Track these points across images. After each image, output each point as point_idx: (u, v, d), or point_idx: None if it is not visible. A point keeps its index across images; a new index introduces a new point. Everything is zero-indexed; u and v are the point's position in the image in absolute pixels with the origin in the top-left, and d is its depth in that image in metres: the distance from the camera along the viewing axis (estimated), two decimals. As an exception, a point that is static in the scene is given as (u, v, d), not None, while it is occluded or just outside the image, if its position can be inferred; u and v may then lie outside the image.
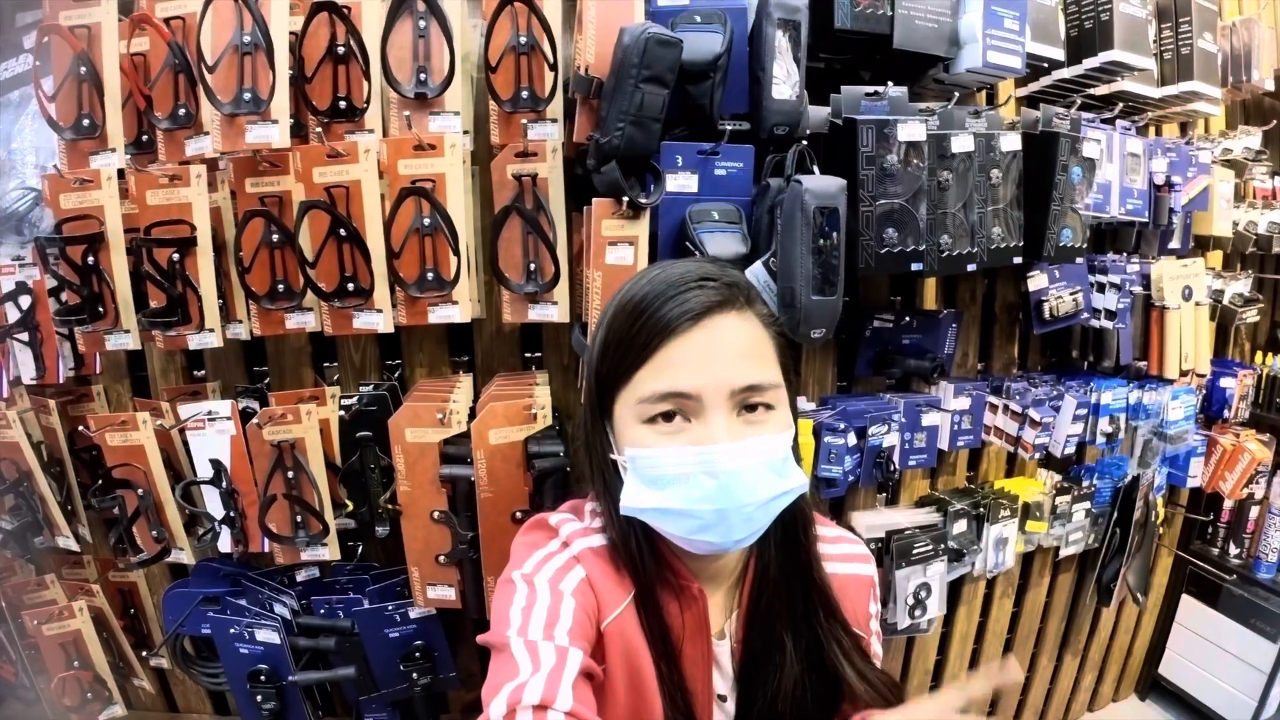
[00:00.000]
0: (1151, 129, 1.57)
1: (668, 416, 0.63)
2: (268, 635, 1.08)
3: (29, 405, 1.14)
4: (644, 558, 0.68)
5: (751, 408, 0.64)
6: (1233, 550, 1.69)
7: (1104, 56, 1.28)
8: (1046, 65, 1.29)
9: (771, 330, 0.67)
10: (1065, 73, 1.32)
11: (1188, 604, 1.72)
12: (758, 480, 0.63)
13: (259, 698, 1.10)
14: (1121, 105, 1.39)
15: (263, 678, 1.10)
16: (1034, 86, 1.36)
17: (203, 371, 1.15)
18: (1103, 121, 1.35)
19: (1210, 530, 1.73)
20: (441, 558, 1.02)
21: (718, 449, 0.61)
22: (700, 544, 0.65)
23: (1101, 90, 1.37)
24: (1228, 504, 1.68)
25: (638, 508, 0.65)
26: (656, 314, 0.63)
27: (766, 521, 0.65)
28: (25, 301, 1.12)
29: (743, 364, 0.63)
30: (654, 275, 0.67)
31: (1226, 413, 1.60)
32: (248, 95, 0.94)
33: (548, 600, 0.64)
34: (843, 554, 0.78)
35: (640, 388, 0.63)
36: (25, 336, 1.12)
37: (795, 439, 0.69)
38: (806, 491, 0.69)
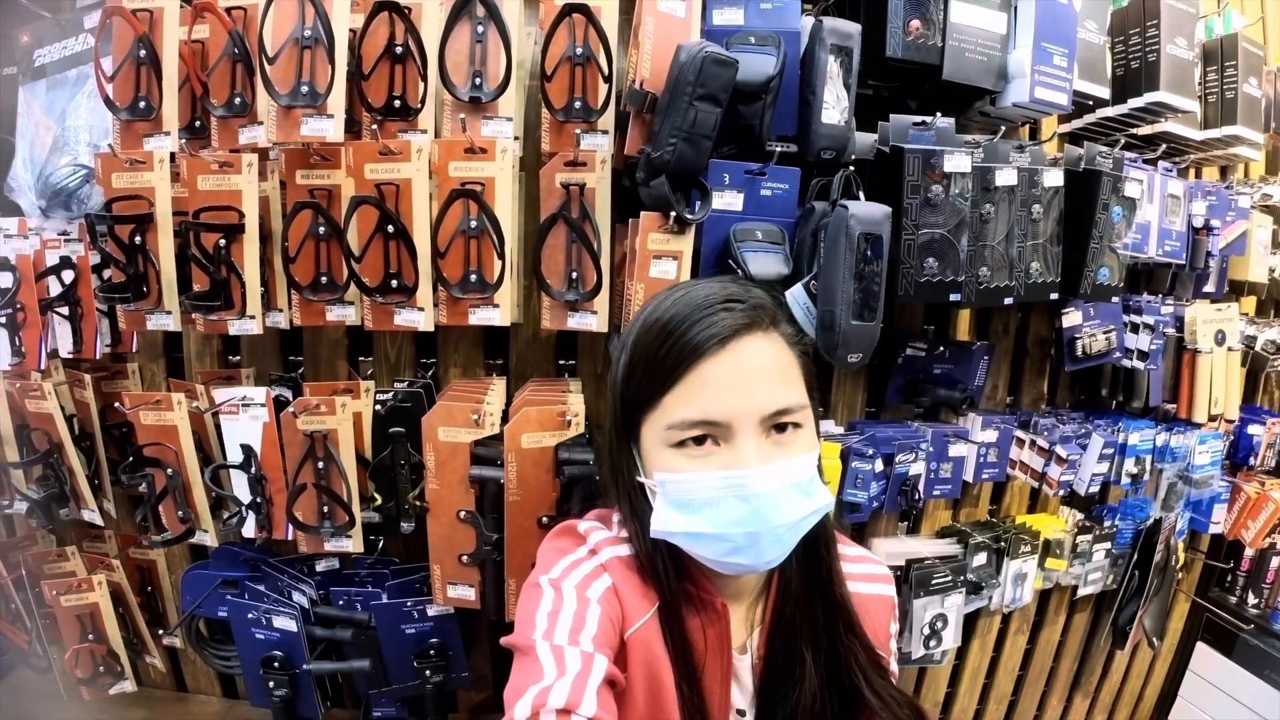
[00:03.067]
0: (1191, 171, 1.57)
1: (698, 440, 0.63)
2: (285, 623, 1.09)
3: (64, 378, 1.16)
4: (669, 574, 0.69)
5: (780, 428, 0.64)
6: (1251, 600, 1.67)
7: (1149, 97, 1.28)
8: (1091, 103, 1.29)
9: (796, 349, 0.67)
10: (1110, 111, 1.32)
11: (1202, 652, 1.69)
12: (787, 502, 0.63)
13: (271, 683, 1.10)
14: (1164, 146, 1.39)
15: (276, 664, 1.10)
16: (1077, 123, 1.36)
17: (238, 357, 1.16)
18: (1145, 162, 1.35)
19: (1229, 578, 1.71)
20: (464, 557, 1.02)
21: (749, 473, 0.62)
22: (731, 565, 0.65)
23: (1144, 130, 1.37)
24: (1249, 553, 1.66)
25: (669, 531, 0.65)
26: (684, 336, 0.63)
27: (795, 540, 0.66)
28: (68, 276, 1.13)
29: (771, 387, 0.63)
30: (678, 296, 0.67)
31: (1253, 460, 1.59)
32: (305, 88, 0.95)
33: (574, 606, 0.65)
34: (865, 573, 0.79)
35: (669, 414, 0.64)
36: (66, 310, 1.13)
37: (819, 456, 0.69)
38: (830, 509, 0.70)
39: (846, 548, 0.80)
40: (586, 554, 0.71)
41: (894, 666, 0.80)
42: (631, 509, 0.71)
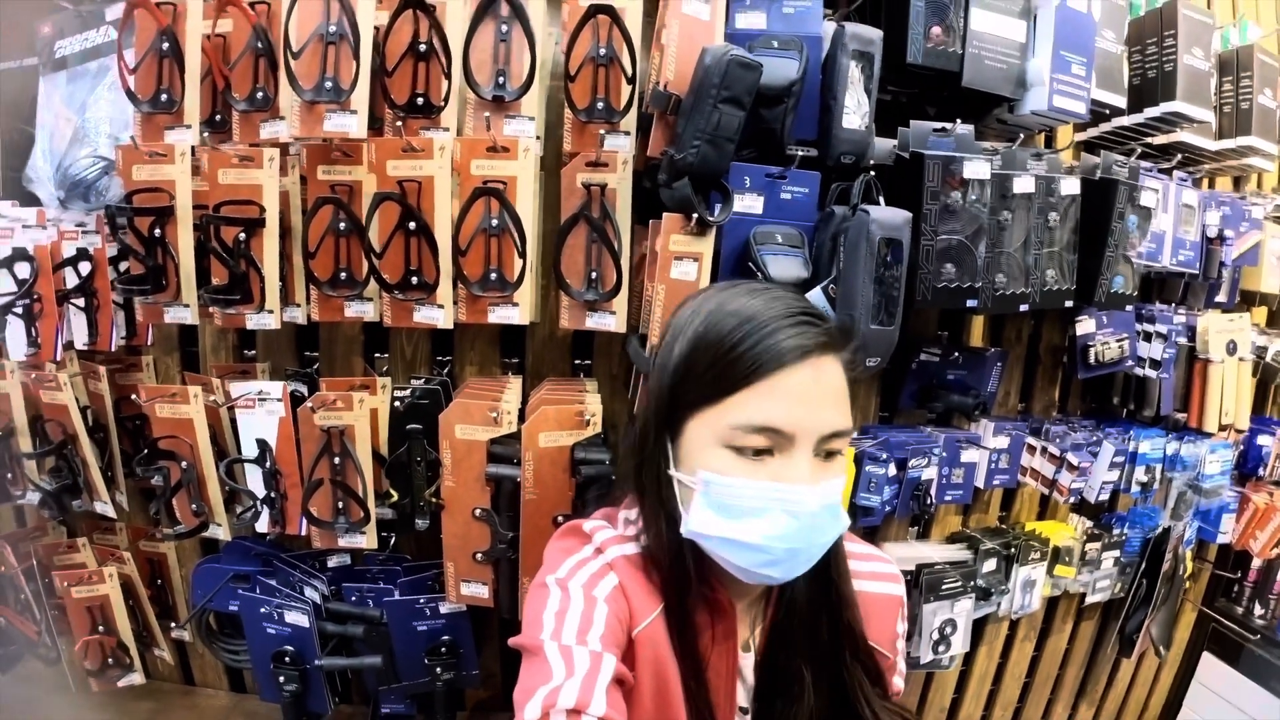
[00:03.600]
0: (1206, 181, 1.57)
1: (757, 451, 0.62)
2: (296, 618, 1.08)
3: (79, 370, 1.16)
4: (692, 572, 0.68)
5: (830, 453, 0.64)
6: (1258, 610, 1.67)
7: (1165, 106, 1.28)
8: (1108, 112, 1.29)
9: (849, 376, 0.67)
10: (1126, 120, 1.32)
11: (1208, 662, 1.69)
12: (827, 523, 0.64)
13: (281, 678, 1.10)
14: (1179, 156, 1.39)
15: (287, 659, 1.10)
16: (1093, 132, 1.36)
17: (253, 351, 1.17)
18: (1160, 171, 1.35)
19: (1236, 589, 1.71)
20: (479, 555, 1.02)
21: (802, 490, 0.61)
22: (759, 576, 0.65)
23: (1160, 140, 1.37)
24: (1256, 563, 1.66)
25: (705, 534, 0.64)
26: (768, 339, 0.62)
27: (820, 558, 0.66)
28: (85, 268, 1.13)
29: (836, 409, 0.63)
30: (754, 297, 0.66)
31: (1262, 471, 1.59)
32: (329, 84, 0.95)
33: (581, 605, 0.65)
34: (872, 572, 0.78)
35: (735, 413, 0.62)
36: (82, 302, 1.13)
37: None
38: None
39: (856, 545, 0.80)
40: (592, 553, 0.71)
41: (902, 667, 0.80)
42: (659, 503, 0.69)
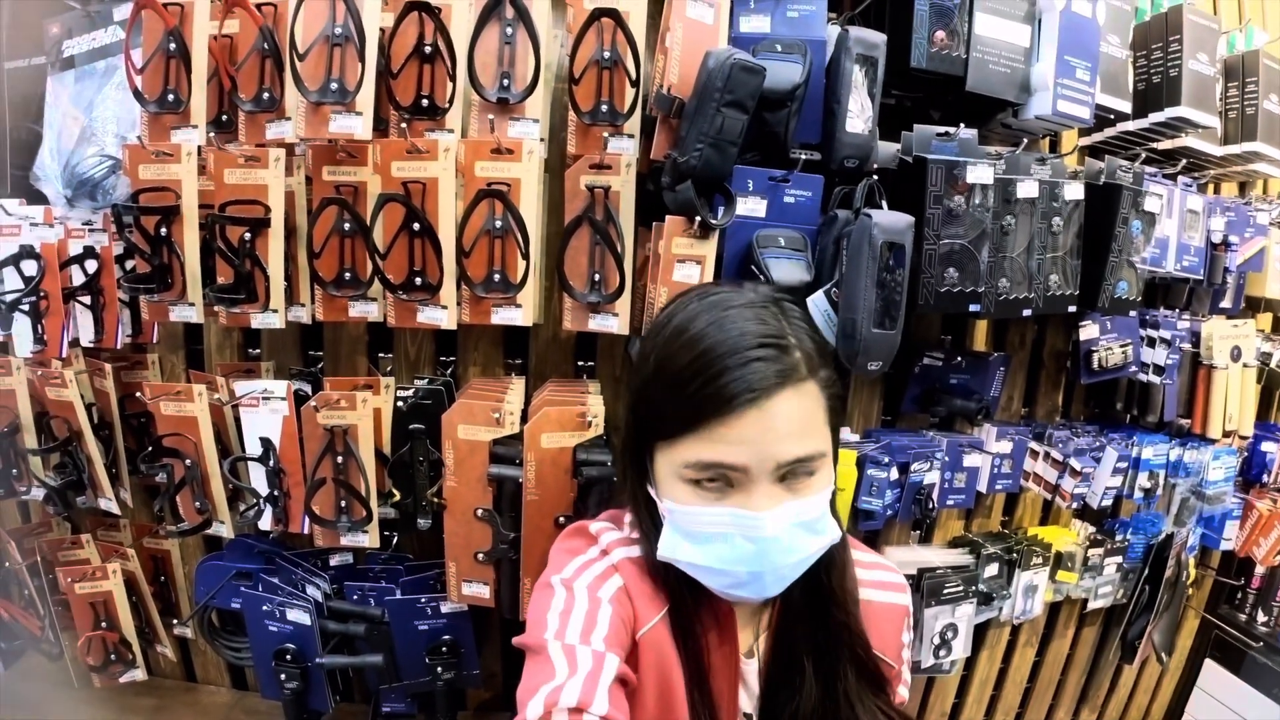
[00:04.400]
0: (1211, 187, 1.56)
1: (711, 481, 0.63)
2: (298, 616, 1.09)
3: (84, 367, 1.16)
4: (679, 580, 0.69)
5: (795, 474, 0.64)
6: (1261, 618, 1.66)
7: (1170, 112, 1.28)
8: (1113, 117, 1.29)
9: (827, 394, 0.65)
10: (1131, 125, 1.32)
11: (1210, 669, 1.69)
12: (794, 543, 0.64)
13: (283, 676, 1.10)
14: (1184, 161, 1.39)
15: (289, 657, 1.10)
16: (1098, 137, 1.36)
17: (258, 350, 1.17)
18: (1164, 177, 1.35)
19: (1239, 595, 1.71)
20: (480, 555, 1.03)
21: (759, 517, 0.62)
22: (734, 596, 0.67)
23: (1164, 145, 1.37)
24: (1259, 570, 1.65)
25: (675, 558, 0.66)
26: (714, 383, 0.60)
27: (799, 573, 0.67)
28: (91, 266, 1.14)
29: (794, 442, 0.62)
30: (713, 319, 0.64)
31: (1266, 477, 1.58)
32: (334, 85, 0.96)
33: (586, 606, 0.65)
34: (878, 581, 0.78)
35: (686, 453, 0.63)
36: (88, 300, 1.14)
37: (834, 491, 0.69)
38: (840, 538, 0.70)
39: (862, 554, 0.80)
40: (598, 554, 0.72)
41: (907, 676, 0.80)
42: (647, 513, 0.71)
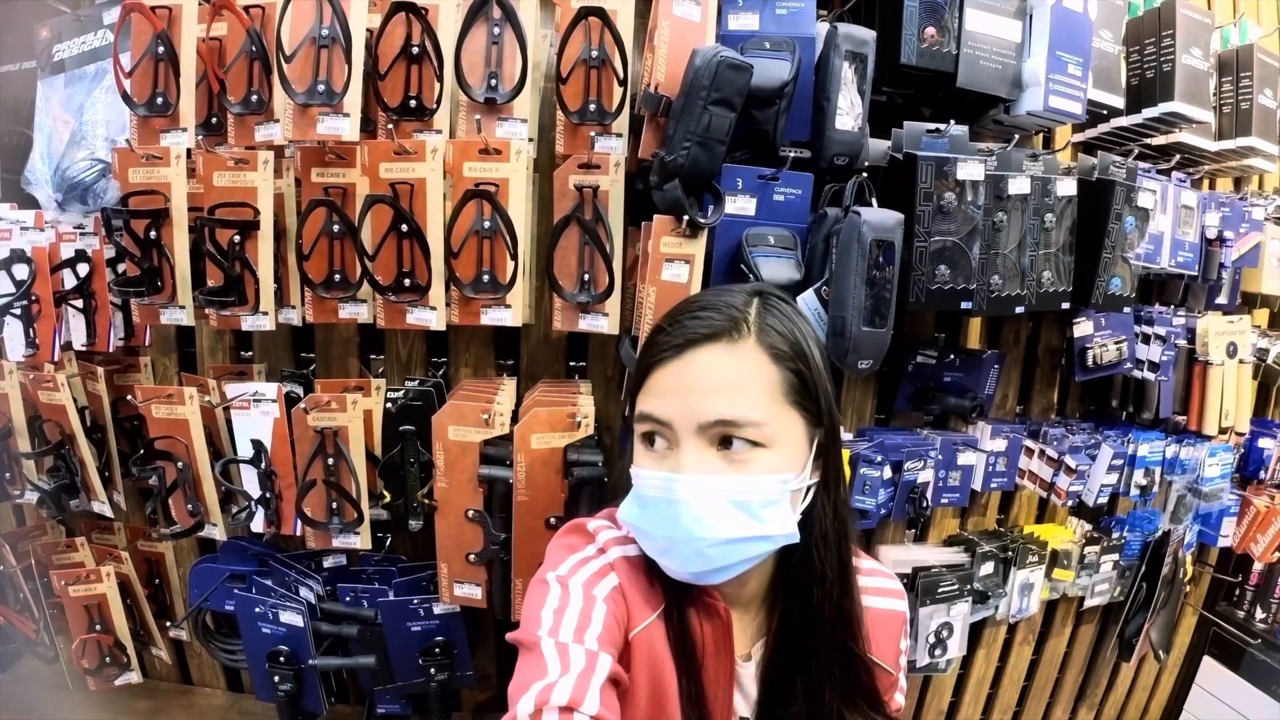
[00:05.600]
0: (1205, 182, 1.56)
1: (648, 439, 0.65)
2: (291, 617, 1.09)
3: (77, 370, 1.16)
4: (675, 580, 0.68)
5: (727, 442, 0.62)
6: (1259, 614, 1.66)
7: (1164, 107, 1.28)
8: (1105, 112, 1.28)
9: (781, 366, 0.64)
10: (1124, 121, 1.31)
11: (1209, 666, 1.68)
12: (714, 517, 0.62)
13: (276, 678, 1.10)
14: (1178, 157, 1.38)
15: (282, 659, 1.10)
16: (1091, 133, 1.35)
17: (250, 353, 1.17)
18: (1158, 172, 1.34)
19: (1237, 592, 1.70)
20: (472, 556, 1.03)
21: (677, 478, 0.62)
22: (666, 567, 0.67)
23: (1158, 140, 1.36)
24: (1257, 567, 1.65)
25: (629, 522, 0.69)
26: (653, 341, 0.67)
27: (731, 560, 0.64)
28: (83, 269, 1.14)
29: (718, 398, 0.62)
30: (684, 301, 0.70)
31: (1263, 474, 1.57)
32: (322, 87, 0.96)
33: (580, 604, 0.65)
34: (877, 588, 0.78)
35: (637, 408, 0.67)
36: (80, 303, 1.14)
37: (811, 490, 0.67)
38: (843, 551, 0.69)
39: (860, 560, 0.78)
40: (595, 552, 0.71)
41: (903, 683, 0.80)
42: None
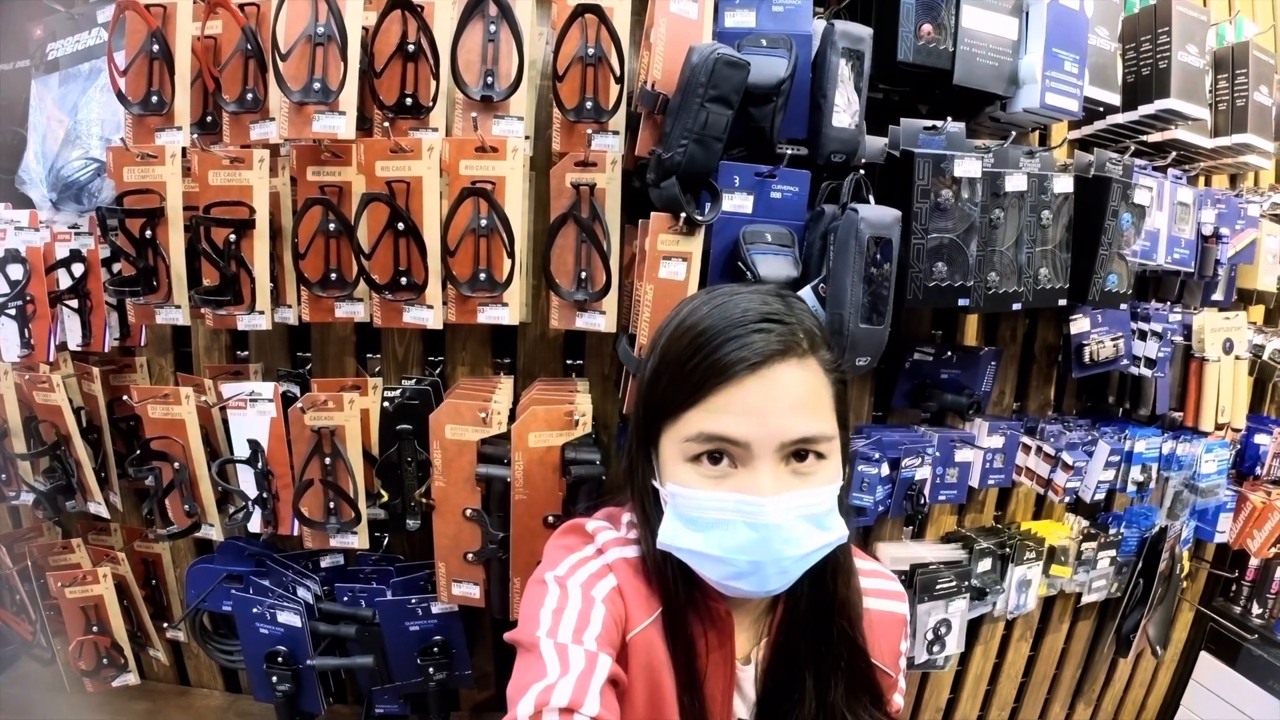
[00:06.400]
0: (1201, 179, 1.56)
1: (713, 458, 0.62)
2: (289, 618, 1.09)
3: (72, 371, 1.16)
4: (676, 580, 0.68)
5: (801, 456, 0.62)
6: (1255, 610, 1.66)
7: (1160, 104, 1.28)
8: (1102, 109, 1.29)
9: (832, 377, 0.65)
10: (1120, 118, 1.31)
11: (1206, 661, 1.69)
12: (799, 534, 0.62)
13: (274, 678, 1.10)
14: (1174, 154, 1.38)
15: (280, 659, 1.10)
16: (1087, 130, 1.35)
17: (246, 352, 1.17)
18: (1154, 169, 1.35)
19: (1234, 588, 1.70)
20: (470, 555, 1.02)
21: (762, 501, 0.60)
22: (733, 589, 0.65)
23: (1154, 137, 1.36)
24: (1253, 562, 1.65)
25: (675, 546, 0.65)
26: (714, 354, 0.61)
27: (802, 571, 0.65)
28: (78, 269, 1.14)
29: (798, 416, 0.61)
30: (716, 304, 0.65)
31: (1259, 470, 1.58)
32: (317, 85, 0.96)
33: (579, 604, 0.64)
34: (877, 589, 0.78)
35: (687, 427, 0.62)
36: (75, 303, 1.14)
37: (842, 488, 0.67)
38: (846, 539, 0.68)
39: (862, 562, 0.78)
40: (593, 553, 0.71)
41: (902, 684, 0.80)
42: (643, 512, 0.70)
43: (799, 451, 0.62)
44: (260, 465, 1.05)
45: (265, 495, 1.06)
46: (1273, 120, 1.45)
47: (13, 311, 1.10)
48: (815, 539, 0.63)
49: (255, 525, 1.07)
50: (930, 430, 1.27)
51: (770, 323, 0.62)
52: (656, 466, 0.68)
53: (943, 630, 1.27)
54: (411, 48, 0.97)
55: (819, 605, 0.70)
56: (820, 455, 0.63)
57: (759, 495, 0.60)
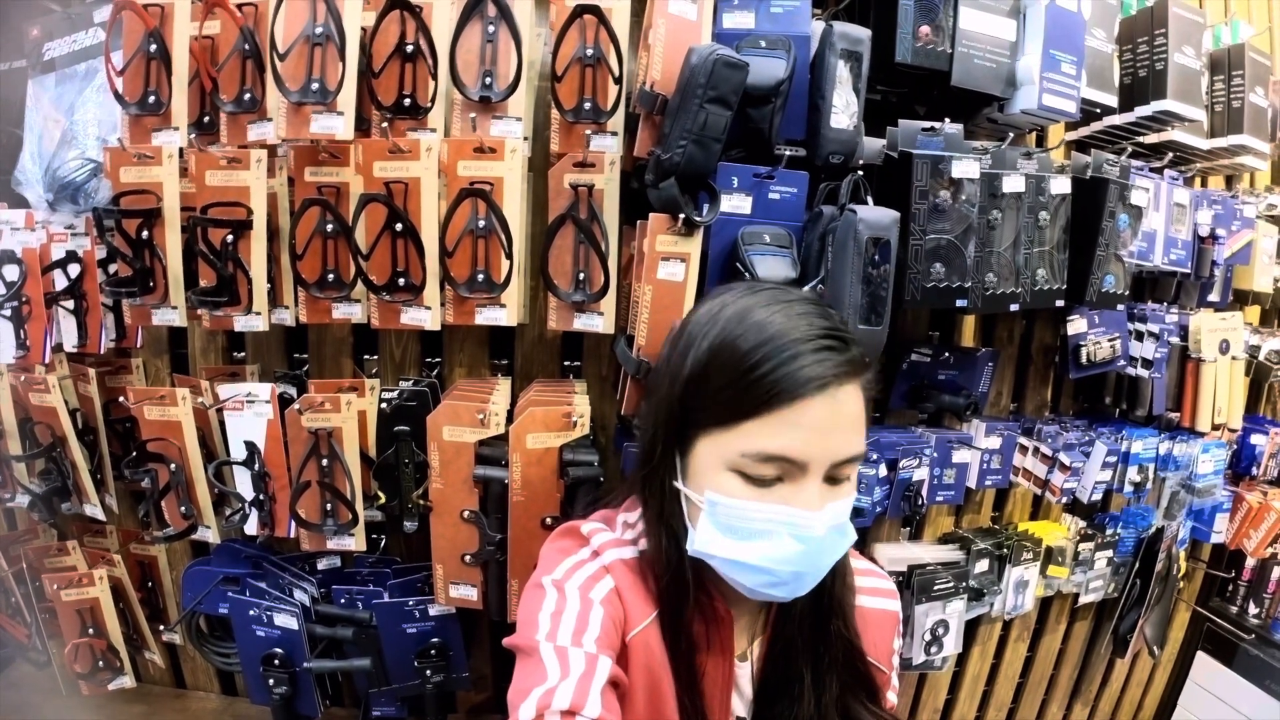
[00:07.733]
0: (1198, 180, 1.57)
1: (764, 474, 0.61)
2: (286, 620, 1.08)
3: (68, 372, 1.16)
4: (683, 582, 0.68)
5: (839, 474, 0.63)
6: (1252, 610, 1.67)
7: (1156, 105, 1.28)
8: (1099, 111, 1.29)
9: (867, 393, 0.65)
10: (1117, 119, 1.32)
11: (1203, 661, 1.69)
12: (833, 543, 0.64)
13: (271, 681, 1.10)
14: (1171, 155, 1.39)
15: (276, 662, 1.10)
16: (1084, 131, 1.36)
17: (243, 354, 1.16)
18: (1151, 170, 1.35)
19: (1230, 588, 1.71)
20: (467, 557, 1.02)
21: (810, 516, 0.61)
22: (764, 595, 0.65)
23: (1151, 139, 1.37)
24: (1250, 562, 1.66)
25: (710, 554, 0.64)
26: (784, 368, 0.59)
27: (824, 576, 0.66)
28: (74, 270, 1.13)
29: (851, 436, 0.62)
30: (773, 310, 0.63)
31: (1255, 470, 1.59)
32: (315, 85, 0.95)
33: (577, 607, 0.64)
34: (871, 588, 0.78)
35: (747, 440, 0.61)
36: (71, 304, 1.13)
37: None
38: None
39: (855, 561, 0.79)
40: (590, 555, 0.71)
41: (895, 682, 0.80)
42: (658, 513, 0.69)
43: (841, 471, 0.63)
44: (257, 467, 1.05)
45: (262, 497, 1.05)
46: (1269, 121, 1.46)
47: (8, 313, 1.10)
48: (841, 547, 0.65)
49: (252, 527, 1.07)
50: (928, 431, 1.27)
51: (835, 340, 0.62)
52: (681, 468, 0.67)
53: (940, 631, 1.27)
54: (410, 48, 0.97)
55: (815, 603, 0.70)
56: (850, 474, 0.65)
57: (810, 510, 0.61)
